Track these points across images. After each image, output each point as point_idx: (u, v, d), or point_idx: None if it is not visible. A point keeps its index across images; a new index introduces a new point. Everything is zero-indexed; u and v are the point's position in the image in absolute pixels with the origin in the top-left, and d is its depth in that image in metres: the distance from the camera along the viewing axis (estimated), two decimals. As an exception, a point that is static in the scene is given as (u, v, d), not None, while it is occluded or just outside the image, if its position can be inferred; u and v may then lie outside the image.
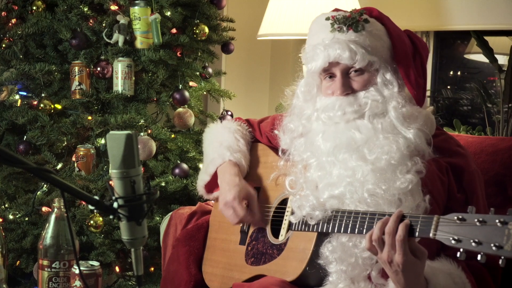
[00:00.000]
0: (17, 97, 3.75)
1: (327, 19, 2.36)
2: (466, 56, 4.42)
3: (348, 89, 2.32)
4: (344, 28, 2.31)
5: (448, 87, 4.44)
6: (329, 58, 2.29)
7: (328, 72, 2.35)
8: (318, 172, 2.30)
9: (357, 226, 2.13)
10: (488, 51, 3.84)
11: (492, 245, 1.80)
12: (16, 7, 3.71)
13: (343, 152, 2.26)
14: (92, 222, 3.54)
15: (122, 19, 3.59)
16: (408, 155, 2.22)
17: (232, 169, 2.60)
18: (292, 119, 2.48)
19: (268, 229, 2.50)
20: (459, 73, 4.47)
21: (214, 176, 2.67)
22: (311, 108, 2.42)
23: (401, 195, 2.16)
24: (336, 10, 2.44)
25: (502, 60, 4.02)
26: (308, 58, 2.37)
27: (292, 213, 2.35)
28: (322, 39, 2.34)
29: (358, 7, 3.66)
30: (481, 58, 4.07)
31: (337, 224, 2.20)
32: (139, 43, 3.64)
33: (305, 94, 2.44)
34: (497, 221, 1.81)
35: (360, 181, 2.20)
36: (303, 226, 2.31)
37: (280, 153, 2.50)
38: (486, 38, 3.89)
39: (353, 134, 2.28)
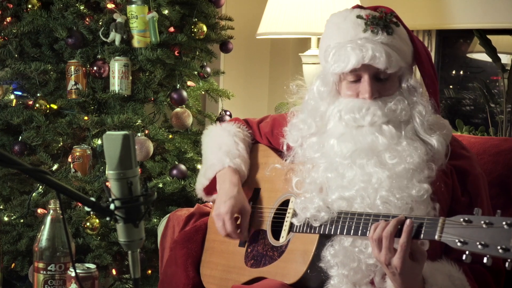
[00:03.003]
0: (12, 97, 3.74)
1: (359, 17, 2.30)
2: (468, 55, 4.40)
3: (376, 93, 2.27)
4: (379, 30, 2.26)
5: (451, 86, 4.43)
6: (363, 60, 2.22)
7: (355, 73, 2.28)
8: (329, 174, 2.27)
9: (361, 228, 2.12)
10: (491, 50, 3.82)
11: (498, 247, 1.79)
12: (11, 5, 3.69)
13: (362, 157, 2.23)
14: (88, 224, 3.52)
15: (119, 18, 3.57)
16: (426, 161, 2.20)
17: (232, 177, 2.58)
18: (304, 118, 2.42)
19: (269, 231, 2.49)
20: (461, 72, 4.46)
21: (213, 181, 2.65)
22: (326, 106, 2.36)
23: (413, 204, 2.14)
24: (358, 6, 2.39)
25: (506, 59, 4.02)
26: (335, 57, 2.28)
27: (295, 215, 2.33)
28: (353, 38, 2.27)
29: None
30: (484, 57, 4.06)
31: (339, 226, 2.18)
32: (136, 42, 3.62)
33: (322, 92, 2.37)
34: (504, 223, 1.80)
35: (374, 188, 2.18)
36: (305, 228, 2.29)
37: (285, 148, 2.45)
38: (489, 37, 3.87)
39: (375, 138, 2.24)
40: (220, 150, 2.65)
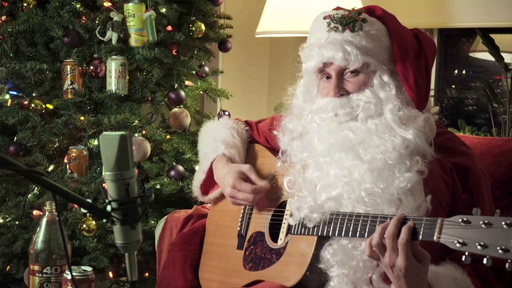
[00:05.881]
0: (7, 96, 3.73)
1: (325, 18, 2.35)
2: (471, 54, 4.44)
3: (342, 90, 2.31)
4: (340, 28, 2.31)
5: (453, 86, 4.46)
6: (323, 59, 2.29)
7: (324, 72, 2.34)
8: (316, 173, 2.28)
9: (359, 230, 2.10)
10: (494, 49, 3.83)
11: (498, 248, 1.77)
12: (6, 4, 3.68)
13: (339, 152, 2.24)
14: (84, 226, 3.51)
15: (115, 16, 3.56)
16: (407, 154, 2.20)
17: (221, 161, 2.60)
18: (292, 119, 2.47)
19: (267, 233, 2.47)
20: (464, 72, 4.49)
21: (210, 173, 2.65)
22: (310, 109, 2.40)
23: (401, 195, 2.13)
24: (338, 8, 2.43)
25: (509, 58, 4.04)
26: (305, 57, 2.37)
27: (291, 215, 2.32)
28: (318, 39, 2.34)
29: (359, 4, 3.65)
30: (486, 56, 4.07)
31: (337, 227, 2.16)
32: (133, 41, 3.62)
33: (305, 94, 2.43)
34: (503, 223, 1.78)
35: (358, 181, 2.18)
36: (303, 229, 2.27)
37: (280, 154, 2.46)
38: (492, 35, 3.88)
39: (346, 134, 2.26)
40: (215, 140, 2.67)
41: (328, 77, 2.34)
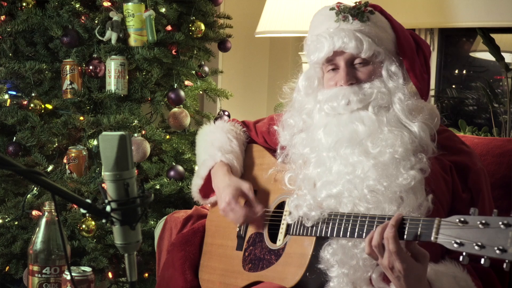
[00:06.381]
0: (6, 96, 3.72)
1: (332, 9, 2.35)
2: (471, 54, 4.44)
3: (352, 79, 2.30)
4: (350, 18, 2.30)
5: (453, 86, 4.47)
6: (334, 47, 2.27)
7: (331, 62, 2.33)
8: (318, 169, 2.27)
9: (357, 230, 2.10)
10: (495, 49, 3.83)
11: (495, 248, 1.77)
12: (5, 3, 3.68)
13: (345, 147, 2.23)
14: (84, 226, 3.50)
15: (115, 16, 3.56)
16: (412, 150, 2.20)
17: (221, 170, 2.58)
18: (292, 114, 2.46)
19: (266, 234, 2.46)
20: (464, 72, 4.50)
21: (208, 179, 2.64)
22: (312, 103, 2.39)
23: (402, 193, 2.13)
24: (339, 3, 2.42)
25: (509, 58, 4.04)
26: (312, 48, 2.35)
27: (289, 213, 2.31)
28: (326, 28, 2.32)
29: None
30: (487, 56, 4.08)
31: (336, 227, 2.16)
32: (132, 41, 3.61)
33: (306, 88, 2.42)
34: (500, 223, 1.78)
35: (360, 178, 2.17)
36: (301, 229, 2.27)
37: (278, 149, 2.47)
38: (493, 35, 3.88)
39: (356, 127, 2.25)
40: (212, 146, 2.65)
41: (334, 69, 2.33)
